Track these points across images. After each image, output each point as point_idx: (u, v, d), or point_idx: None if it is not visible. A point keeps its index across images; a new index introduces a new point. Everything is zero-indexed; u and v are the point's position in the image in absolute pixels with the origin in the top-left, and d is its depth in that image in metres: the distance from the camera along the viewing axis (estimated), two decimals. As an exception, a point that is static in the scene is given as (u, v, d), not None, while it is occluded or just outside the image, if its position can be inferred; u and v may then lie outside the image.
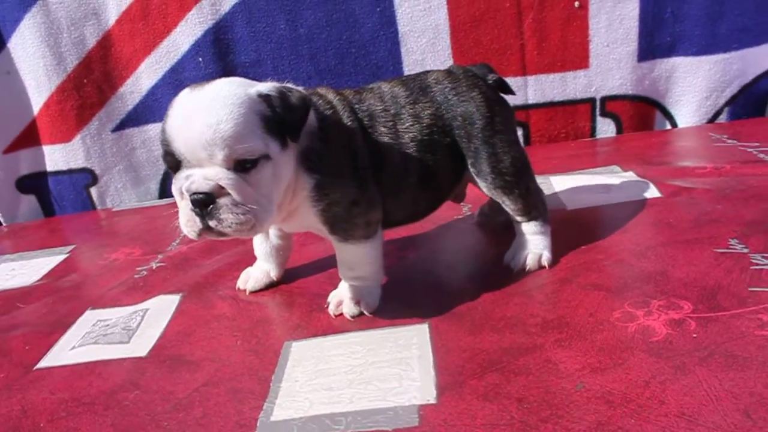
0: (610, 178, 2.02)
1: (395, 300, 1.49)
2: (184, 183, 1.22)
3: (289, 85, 1.37)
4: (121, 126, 2.69)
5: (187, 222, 1.24)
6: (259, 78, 2.49)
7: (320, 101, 1.42)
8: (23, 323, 1.71)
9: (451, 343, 1.29)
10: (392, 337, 1.34)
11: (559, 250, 1.57)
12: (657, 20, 2.49)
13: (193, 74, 2.57)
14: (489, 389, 1.13)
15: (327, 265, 1.72)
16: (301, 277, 1.69)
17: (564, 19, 2.51)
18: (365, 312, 1.45)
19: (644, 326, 1.22)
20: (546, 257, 1.53)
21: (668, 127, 2.64)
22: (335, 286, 1.53)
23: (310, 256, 1.80)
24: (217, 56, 2.56)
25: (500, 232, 1.73)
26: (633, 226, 1.67)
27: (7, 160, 2.72)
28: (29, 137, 2.72)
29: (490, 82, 1.58)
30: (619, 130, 2.63)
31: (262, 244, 1.65)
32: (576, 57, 2.55)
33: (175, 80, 2.59)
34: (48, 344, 1.57)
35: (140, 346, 1.48)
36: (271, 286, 1.67)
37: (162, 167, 2.75)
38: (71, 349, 1.53)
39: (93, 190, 2.77)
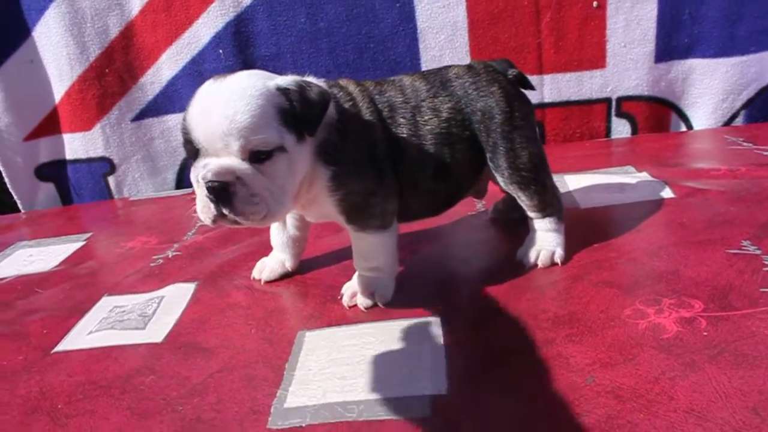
0: (624, 178, 2.02)
1: (409, 292, 1.51)
2: (201, 171, 1.24)
3: (311, 78, 1.39)
4: (141, 116, 2.72)
5: (203, 209, 1.27)
6: (278, 71, 2.52)
7: (341, 93, 1.44)
8: (41, 308, 1.74)
9: (463, 336, 1.30)
10: (405, 329, 1.36)
11: (571, 247, 1.58)
12: (675, 21, 2.49)
13: (214, 66, 2.60)
14: (500, 382, 1.14)
15: (341, 256, 1.74)
16: (316, 269, 1.71)
17: (582, 19, 2.51)
18: (379, 303, 1.47)
19: (655, 324, 1.23)
20: (559, 254, 1.54)
21: (684, 128, 2.63)
22: (349, 278, 1.55)
23: (324, 247, 1.82)
24: (237, 49, 2.58)
25: (514, 228, 1.74)
26: (646, 225, 1.67)
27: (27, 147, 2.76)
28: (50, 125, 2.75)
29: (511, 77, 1.59)
30: (634, 131, 2.63)
31: (279, 235, 1.67)
32: (593, 57, 2.56)
33: (196, 71, 2.62)
34: (65, 329, 1.60)
35: (156, 332, 1.51)
36: (285, 276, 1.69)
37: (179, 158, 2.78)
38: (88, 333, 1.55)
39: (111, 179, 2.80)
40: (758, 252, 1.46)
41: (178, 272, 1.82)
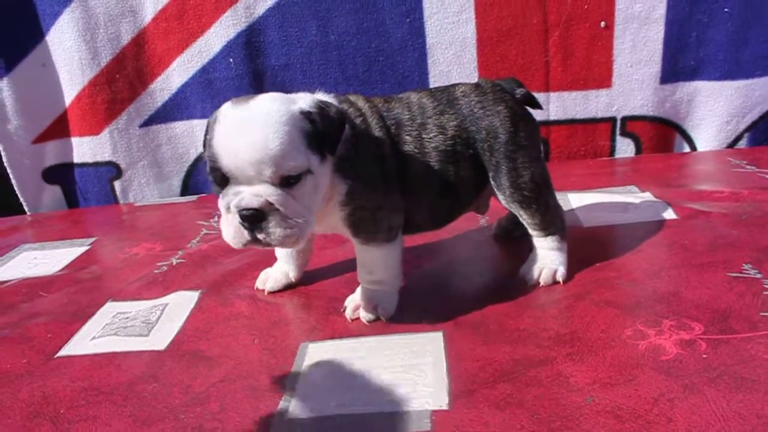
0: (628, 198, 2.04)
1: (411, 307, 1.52)
2: (233, 199, 1.26)
3: (322, 95, 1.42)
4: (149, 122, 2.74)
5: (235, 235, 1.28)
6: (288, 82, 2.57)
7: (351, 108, 1.46)
8: (45, 311, 1.75)
9: (465, 351, 1.31)
10: (407, 343, 1.37)
11: (573, 266, 1.59)
12: (681, 44, 2.51)
13: (223, 74, 2.62)
14: (500, 398, 1.15)
15: (344, 269, 1.75)
16: (319, 280, 1.72)
17: (589, 38, 2.54)
18: (382, 317, 1.48)
19: (655, 345, 1.24)
20: (561, 273, 1.55)
21: (687, 150, 2.65)
22: (352, 290, 1.56)
23: (328, 259, 1.83)
24: (248, 58, 2.61)
25: (516, 245, 1.75)
26: (648, 246, 1.69)
27: (35, 150, 2.78)
28: (59, 128, 2.77)
29: (518, 96, 1.61)
30: (638, 151, 2.65)
31: (283, 246, 1.69)
32: (599, 76, 2.58)
33: (205, 80, 2.64)
34: (69, 333, 1.61)
35: (159, 339, 1.52)
36: (289, 287, 1.70)
37: (186, 164, 2.80)
38: (91, 339, 1.57)
39: (117, 184, 2.82)
40: (759, 276, 1.47)
41: (182, 280, 1.84)
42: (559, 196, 1.65)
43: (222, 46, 2.61)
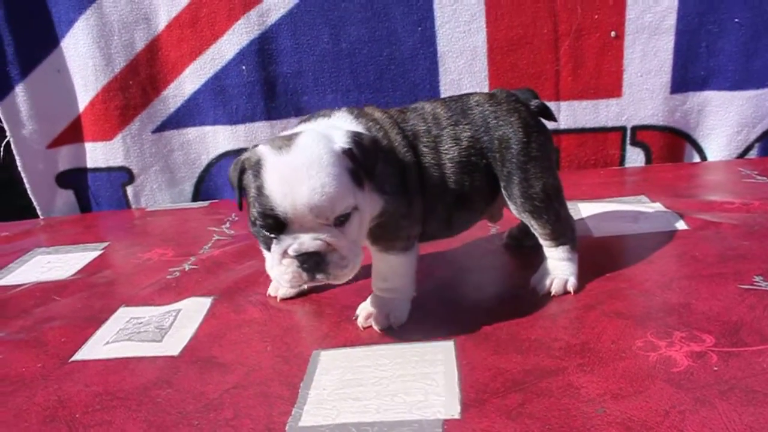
0: (638, 208, 2.04)
1: (423, 316, 1.53)
2: (292, 244, 1.28)
3: (340, 114, 1.47)
4: (162, 128, 2.76)
5: (292, 278, 1.31)
6: (299, 89, 2.59)
7: (370, 123, 1.49)
8: (59, 316, 1.77)
9: (476, 361, 1.32)
10: (419, 352, 1.38)
11: (584, 276, 1.60)
12: (691, 54, 2.52)
13: (236, 81, 2.64)
14: (512, 408, 1.16)
15: (355, 277, 1.75)
16: (330, 288, 1.73)
17: (599, 48, 2.55)
18: (393, 326, 1.49)
19: (666, 356, 1.25)
20: (572, 283, 1.56)
21: (698, 159, 2.66)
22: (363, 299, 1.57)
23: None
24: (260, 65, 2.63)
25: (528, 255, 1.76)
26: (658, 257, 1.70)
27: (49, 154, 2.80)
28: (73, 134, 2.80)
29: (533, 107, 1.62)
30: (648, 160, 2.66)
31: (296, 253, 1.70)
32: (609, 85, 2.59)
33: (218, 86, 2.67)
34: (83, 338, 1.63)
35: (172, 345, 1.53)
36: (301, 294, 1.72)
37: (197, 170, 2.82)
38: (105, 344, 1.58)
39: (129, 189, 2.84)
40: (770, 288, 1.47)
41: (195, 286, 1.85)
42: (570, 206, 1.66)
43: (234, 53, 2.63)
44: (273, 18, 2.59)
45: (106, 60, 2.66)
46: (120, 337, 1.60)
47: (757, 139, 2.59)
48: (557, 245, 1.59)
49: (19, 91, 2.69)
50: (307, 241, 1.28)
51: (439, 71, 2.61)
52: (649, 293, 1.51)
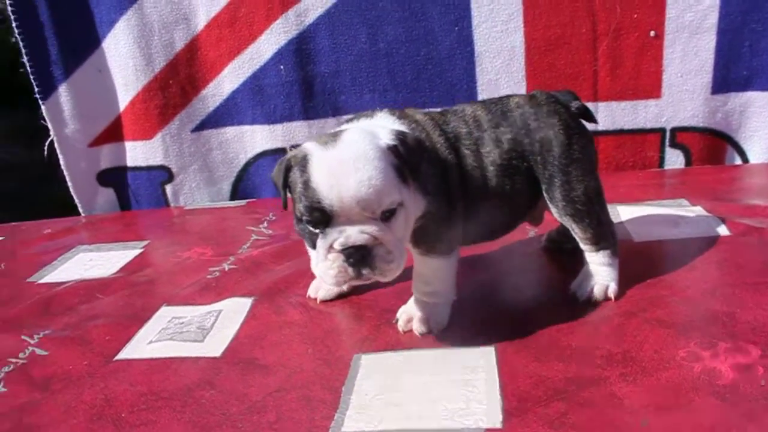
0: (678, 212, 2.02)
1: (462, 320, 1.53)
2: (338, 237, 1.29)
3: (382, 115, 1.47)
4: (201, 127, 2.78)
5: (338, 273, 1.31)
6: (337, 88, 2.60)
7: (413, 125, 1.49)
8: (103, 314, 1.80)
9: (517, 368, 1.33)
10: (460, 358, 1.38)
11: (625, 282, 1.59)
12: (734, 53, 2.48)
13: (274, 81, 2.66)
14: (554, 418, 1.17)
15: (395, 280, 1.75)
16: (370, 291, 1.74)
17: (639, 48, 2.52)
18: (434, 331, 1.49)
19: (710, 368, 1.24)
20: (612, 289, 1.55)
21: (739, 162, 2.62)
22: (403, 302, 1.58)
23: None
24: (298, 65, 2.64)
25: (566, 258, 1.76)
26: (700, 263, 1.68)
27: (91, 153, 2.84)
28: (113, 133, 2.84)
29: (574, 109, 1.61)
30: (688, 162, 2.62)
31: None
32: (648, 86, 2.56)
33: (256, 86, 2.68)
34: (126, 337, 1.66)
35: (214, 346, 1.56)
36: (340, 297, 1.73)
37: (236, 169, 2.84)
38: (148, 343, 1.61)
39: (168, 187, 2.87)
40: (816, 298, 1.45)
41: (235, 286, 1.87)
42: (609, 208, 1.64)
43: (273, 53, 2.64)
44: (311, 18, 2.60)
45: (146, 60, 2.70)
46: (162, 337, 1.63)
47: (802, 141, 2.55)
48: (598, 250, 1.58)
49: (62, 90, 2.73)
50: (354, 235, 1.28)
51: (476, 71, 2.60)
52: (691, 301, 1.50)
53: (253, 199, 2.84)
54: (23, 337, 1.70)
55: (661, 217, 2.00)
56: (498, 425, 1.16)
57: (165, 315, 1.75)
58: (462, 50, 2.58)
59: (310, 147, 1.35)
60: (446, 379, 1.31)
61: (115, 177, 2.91)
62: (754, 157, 2.58)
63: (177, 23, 2.66)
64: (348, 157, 1.30)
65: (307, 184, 1.31)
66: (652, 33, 2.49)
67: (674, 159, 2.63)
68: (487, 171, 1.51)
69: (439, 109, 1.61)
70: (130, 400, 1.38)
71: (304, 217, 1.33)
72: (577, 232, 1.58)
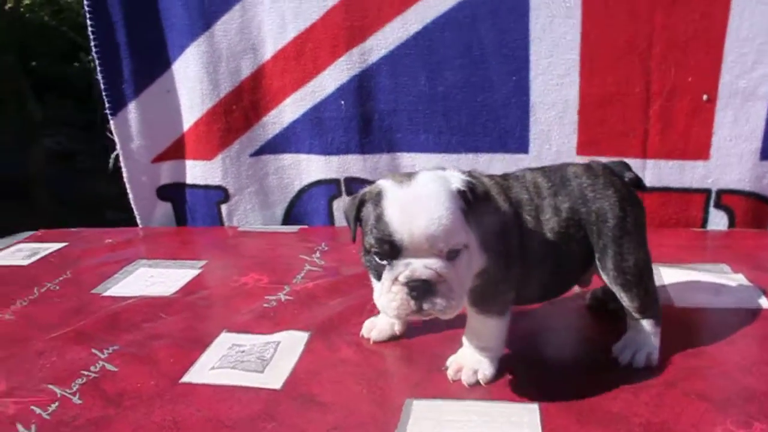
0: (720, 278, 2.08)
1: (508, 374, 1.61)
2: (404, 270, 1.37)
3: (456, 173, 1.52)
4: (260, 152, 2.90)
5: (400, 306, 1.39)
6: (394, 127, 2.72)
7: (480, 184, 1.57)
8: (166, 334, 1.90)
9: (559, 428, 1.40)
10: (505, 413, 1.46)
11: (665, 348, 1.65)
12: (785, 121, 2.54)
13: (333, 114, 2.77)
14: (595, 482, 1.25)
15: (446, 325, 1.80)
16: (421, 334, 1.82)
17: (690, 110, 2.58)
18: (481, 382, 1.58)
19: (744, 448, 1.32)
20: (654, 357, 1.62)
21: (784, 229, 2.67)
22: (453, 349, 1.66)
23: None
24: (357, 101, 2.75)
25: (610, 318, 1.82)
26: (740, 336, 1.74)
27: (153, 168, 2.98)
28: (176, 151, 2.97)
29: (627, 180, 1.70)
30: (732, 224, 2.68)
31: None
32: (697, 147, 2.62)
33: (315, 118, 2.80)
34: (189, 360, 1.75)
35: (274, 378, 1.64)
36: (393, 338, 1.81)
37: (290, 195, 2.96)
38: (211, 369, 1.70)
39: (224, 207, 2.99)
40: None
41: (291, 318, 1.96)
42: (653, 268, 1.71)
43: (335, 88, 2.76)
44: (374, 57, 2.71)
45: (213, 84, 2.82)
46: (224, 364, 1.72)
47: None
48: (643, 318, 1.65)
49: (132, 108, 2.87)
50: (420, 269, 1.37)
51: (529, 121, 2.69)
52: (729, 376, 1.56)
53: (305, 226, 2.95)
54: (94, 350, 1.81)
55: (703, 283, 2.06)
56: (543, 484, 1.25)
57: (225, 341, 1.84)
58: (517, 99, 2.67)
59: (385, 184, 1.45)
60: (493, 432, 1.40)
61: (174, 192, 3.04)
62: (798, 226, 2.64)
63: (245, 52, 2.79)
64: (421, 195, 1.40)
65: (380, 217, 1.40)
66: (705, 97, 2.56)
67: (718, 220, 2.69)
68: (545, 237, 1.59)
69: (500, 174, 1.70)
70: (197, 425, 1.46)
71: (373, 249, 1.42)
72: (625, 300, 1.65)
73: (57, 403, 1.57)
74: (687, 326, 1.81)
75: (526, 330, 1.83)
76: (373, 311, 1.84)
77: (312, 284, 2.21)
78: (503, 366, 1.63)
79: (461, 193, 1.43)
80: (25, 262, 2.56)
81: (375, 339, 1.81)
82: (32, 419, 1.51)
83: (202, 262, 2.49)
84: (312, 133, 2.83)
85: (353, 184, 2.86)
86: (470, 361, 1.61)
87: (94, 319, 2.01)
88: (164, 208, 3.06)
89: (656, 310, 1.67)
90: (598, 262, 1.64)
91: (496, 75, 2.66)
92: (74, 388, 1.63)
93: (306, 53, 2.75)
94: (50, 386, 1.64)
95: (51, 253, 2.65)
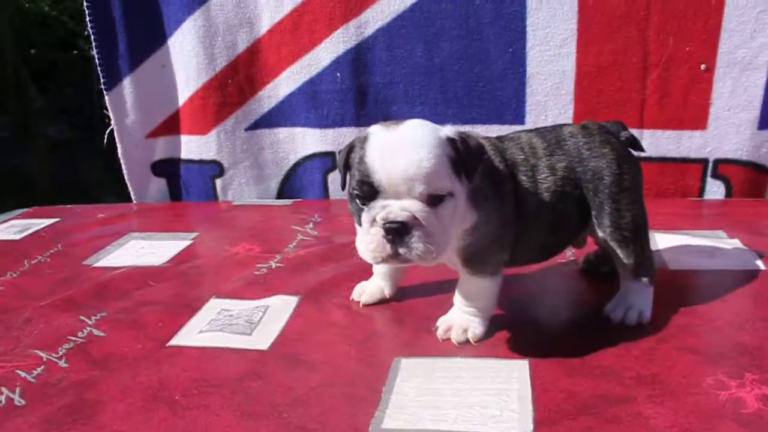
0: (715, 243, 2.07)
1: (499, 333, 1.59)
2: (380, 212, 1.36)
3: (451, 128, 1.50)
4: (254, 126, 2.90)
5: (375, 248, 1.37)
6: (390, 99, 2.70)
7: (480, 141, 1.55)
8: (155, 301, 1.90)
9: (549, 382, 1.39)
10: (495, 369, 1.45)
11: (658, 308, 1.64)
12: (783, 91, 2.52)
13: (329, 87, 2.77)
14: (582, 431, 1.23)
15: (436, 289, 1.83)
16: (411, 297, 1.81)
17: (688, 80, 2.57)
18: (471, 341, 1.56)
19: (736, 397, 1.29)
20: (646, 315, 1.61)
21: (780, 197, 2.65)
22: (442, 311, 1.64)
23: (421, 278, 1.90)
24: (353, 74, 2.74)
25: (603, 281, 1.81)
26: (734, 296, 1.73)
27: (148, 143, 2.98)
28: (171, 126, 2.97)
29: (623, 139, 1.68)
30: (729, 194, 2.66)
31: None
32: (695, 117, 2.61)
33: (311, 91, 2.79)
34: (178, 324, 1.74)
35: (261, 339, 1.63)
36: (382, 301, 1.80)
37: (285, 169, 2.95)
38: (199, 332, 1.69)
39: (218, 182, 2.99)
40: None
41: (282, 284, 1.95)
42: (648, 235, 1.70)
43: (330, 60, 2.74)
44: (370, 30, 2.69)
45: (208, 59, 2.81)
46: (213, 327, 1.71)
47: (844, 181, 2.57)
48: (636, 277, 1.63)
49: (126, 83, 2.87)
50: (396, 210, 1.34)
51: (526, 92, 2.67)
52: (722, 332, 1.55)
53: (299, 199, 2.94)
54: (81, 317, 1.80)
55: (698, 247, 2.04)
56: (529, 433, 1.23)
57: (214, 307, 1.83)
58: (514, 71, 2.65)
59: (374, 128, 1.44)
60: (482, 387, 1.38)
61: (169, 168, 3.04)
62: (795, 194, 2.62)
63: (241, 26, 2.78)
64: (404, 138, 1.37)
65: (362, 159, 1.39)
66: (703, 66, 2.54)
67: (715, 189, 2.67)
68: (541, 197, 1.57)
69: (495, 136, 1.68)
70: (183, 385, 1.45)
71: (354, 191, 1.41)
72: (620, 258, 1.63)
73: (42, 367, 1.56)
74: (680, 287, 1.80)
75: (519, 293, 1.82)
76: (364, 275, 1.84)
77: (304, 252, 2.20)
78: (494, 327, 1.61)
79: (450, 141, 1.41)
80: (17, 237, 2.56)
81: (365, 302, 1.80)
82: (17, 382, 1.50)
83: (194, 234, 2.48)
84: (307, 106, 2.82)
85: (348, 156, 2.82)
86: (460, 320, 1.59)
87: (84, 288, 2.00)
88: (159, 184, 3.06)
89: (650, 269, 1.66)
90: (594, 220, 1.62)
91: (492, 46, 2.64)
92: (60, 353, 1.62)
93: (302, 26, 2.73)
94: (36, 351, 1.64)
95: (43, 228, 2.65)
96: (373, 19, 2.67)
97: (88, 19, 2.79)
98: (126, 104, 2.90)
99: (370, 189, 1.37)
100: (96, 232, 2.56)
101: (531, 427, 1.25)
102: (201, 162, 2.98)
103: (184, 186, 3.04)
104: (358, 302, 1.80)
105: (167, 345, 1.64)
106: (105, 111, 2.93)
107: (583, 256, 1.95)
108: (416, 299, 1.81)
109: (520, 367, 1.45)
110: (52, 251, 2.36)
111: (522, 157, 1.60)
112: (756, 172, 2.63)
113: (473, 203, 1.48)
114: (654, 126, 2.63)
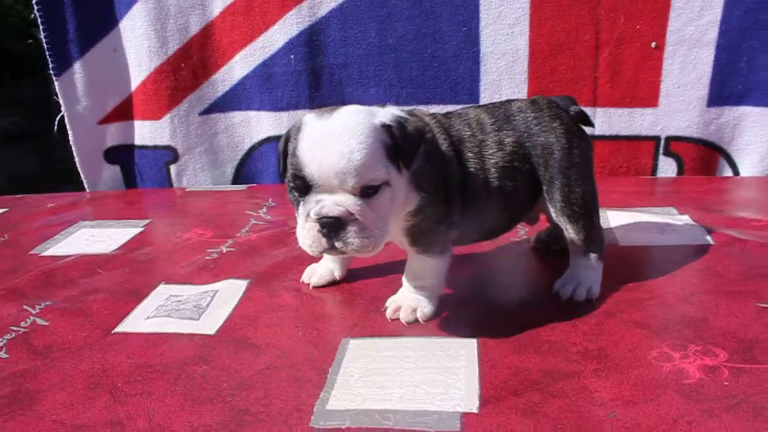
0: (665, 220, 2.08)
1: (448, 313, 1.59)
2: (314, 207, 1.34)
3: (393, 108, 1.47)
4: (209, 110, 2.86)
5: (312, 242, 1.36)
6: (344, 81, 2.68)
7: (420, 124, 1.53)
8: (102, 288, 1.86)
9: (497, 359, 1.38)
10: (443, 347, 1.44)
11: (606, 284, 1.65)
12: (731, 68, 2.55)
13: (283, 70, 2.73)
14: (527, 407, 1.23)
15: (386, 270, 1.82)
16: (361, 279, 1.80)
17: (639, 57, 2.58)
18: (420, 320, 1.55)
19: (679, 368, 1.30)
20: (594, 291, 1.61)
21: (730, 174, 2.68)
22: (393, 291, 1.64)
23: (371, 260, 1.89)
24: (308, 56, 2.71)
25: (553, 259, 1.82)
26: (681, 270, 1.74)
27: (100, 130, 2.92)
28: (123, 112, 2.91)
29: (573, 114, 1.67)
30: (680, 171, 2.69)
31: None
32: (646, 95, 2.63)
33: (265, 74, 2.76)
34: (125, 311, 1.71)
35: (209, 324, 1.61)
36: (333, 283, 1.79)
37: (240, 153, 2.92)
38: (146, 318, 1.67)
39: (173, 168, 2.94)
40: (788, 309, 1.51)
41: (232, 268, 1.93)
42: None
43: (284, 42, 2.71)
44: (323, 11, 2.66)
45: (160, 42, 2.76)
46: (160, 313, 1.68)
47: (793, 157, 2.61)
48: (586, 253, 1.64)
49: (77, 68, 2.80)
50: (329, 206, 1.33)
51: (480, 71, 2.66)
52: (668, 305, 1.56)
53: (255, 184, 2.90)
54: (25, 307, 1.76)
55: (649, 224, 2.06)
56: (474, 410, 1.22)
57: (163, 292, 1.81)
58: (468, 50, 2.64)
59: (307, 118, 1.41)
60: (428, 366, 1.37)
61: (122, 155, 2.98)
62: (745, 170, 2.65)
63: (193, 8, 2.73)
64: (335, 129, 1.34)
65: (294, 151, 1.36)
66: (653, 44, 2.56)
67: (667, 167, 2.69)
68: (489, 173, 1.56)
69: (443, 112, 1.66)
70: (126, 371, 1.43)
71: (289, 184, 1.39)
72: (570, 233, 1.63)
73: (-19, 360, 1.53)
74: (630, 263, 1.81)
75: (469, 272, 1.82)
76: (316, 258, 1.82)
77: (255, 236, 2.17)
78: (444, 306, 1.61)
79: (386, 128, 1.38)
80: (-38, 228, 2.49)
81: (315, 284, 1.78)
82: (-47, 376, 1.47)
83: (146, 221, 2.44)
84: (262, 89, 2.78)
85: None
86: (409, 300, 1.58)
87: (29, 277, 1.96)
88: (112, 172, 3.00)
89: (600, 244, 1.66)
90: (546, 195, 1.62)
91: (446, 26, 2.63)
92: (1, 344, 1.58)
93: (255, 8, 2.70)
94: (-24, 343, 1.60)
95: (-10, 219, 2.59)
96: (326, 0, 2.64)
97: (34, 0, 2.72)
98: (77, 90, 2.83)
99: (303, 183, 1.36)
100: (45, 221, 2.51)
101: (477, 403, 1.25)
102: (155, 148, 2.93)
103: (139, 173, 2.99)
104: (308, 285, 1.79)
105: (113, 332, 1.62)
106: (56, 98, 2.86)
107: (535, 234, 1.95)
108: (366, 280, 1.80)
109: (468, 345, 1.44)
110: (-2, 241, 2.30)
111: (469, 132, 1.59)
112: (706, 149, 2.66)
113: (416, 185, 1.47)
114: (607, 104, 2.64)
